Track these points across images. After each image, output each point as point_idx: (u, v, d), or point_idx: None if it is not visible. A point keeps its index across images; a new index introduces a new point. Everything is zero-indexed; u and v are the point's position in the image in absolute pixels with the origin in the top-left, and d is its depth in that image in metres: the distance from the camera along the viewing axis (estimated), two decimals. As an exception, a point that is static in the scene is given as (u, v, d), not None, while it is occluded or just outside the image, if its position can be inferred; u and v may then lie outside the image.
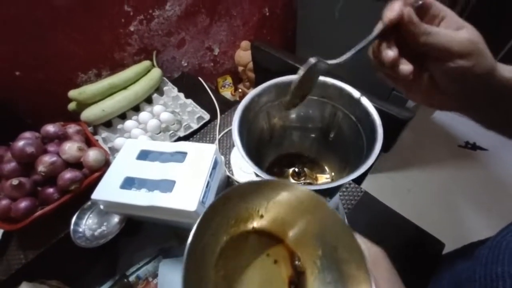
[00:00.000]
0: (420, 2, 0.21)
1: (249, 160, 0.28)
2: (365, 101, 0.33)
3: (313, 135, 0.43)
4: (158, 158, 0.48)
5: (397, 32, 0.21)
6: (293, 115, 0.41)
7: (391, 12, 0.20)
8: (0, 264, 0.51)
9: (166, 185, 0.42)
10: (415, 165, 1.40)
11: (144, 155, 0.49)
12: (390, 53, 0.21)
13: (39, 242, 0.52)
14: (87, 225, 0.53)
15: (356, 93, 0.34)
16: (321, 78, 0.31)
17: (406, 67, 0.22)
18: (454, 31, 0.21)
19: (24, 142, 0.49)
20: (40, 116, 0.61)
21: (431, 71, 0.23)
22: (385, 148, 0.32)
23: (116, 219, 0.53)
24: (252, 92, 0.36)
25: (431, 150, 1.45)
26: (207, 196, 0.43)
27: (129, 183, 0.45)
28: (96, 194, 0.43)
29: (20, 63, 0.60)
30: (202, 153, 0.46)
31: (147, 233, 0.53)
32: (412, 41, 0.21)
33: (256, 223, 0.22)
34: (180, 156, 0.46)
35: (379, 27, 0.21)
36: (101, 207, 0.47)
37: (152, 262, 0.49)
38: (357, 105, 0.33)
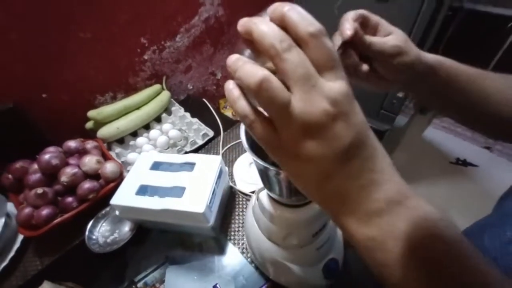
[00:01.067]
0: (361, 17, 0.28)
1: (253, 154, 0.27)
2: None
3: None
4: (169, 168, 0.54)
5: (351, 42, 0.27)
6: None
7: (348, 30, 0.26)
8: (17, 270, 0.54)
9: (177, 191, 0.48)
10: (409, 182, 1.45)
11: (156, 166, 0.55)
12: (356, 61, 0.29)
13: (55, 248, 0.56)
14: (100, 232, 0.57)
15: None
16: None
17: (364, 67, 0.29)
18: (385, 38, 0.28)
19: (50, 155, 0.55)
20: (59, 132, 0.67)
21: (377, 67, 0.30)
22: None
23: (127, 227, 0.57)
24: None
25: (424, 168, 1.51)
26: (213, 201, 0.48)
27: (143, 190, 0.50)
28: (115, 200, 0.49)
29: (46, 86, 0.68)
30: (208, 164, 0.52)
31: (154, 242, 0.56)
32: (360, 49, 0.28)
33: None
34: (189, 166, 0.53)
35: (338, 41, 0.27)
36: (117, 213, 0.52)
37: (159, 269, 0.52)
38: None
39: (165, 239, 0.56)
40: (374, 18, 0.29)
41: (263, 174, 0.29)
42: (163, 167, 0.55)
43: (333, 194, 0.18)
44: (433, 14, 0.78)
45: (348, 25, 0.27)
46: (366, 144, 0.17)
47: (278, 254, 0.38)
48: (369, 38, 0.28)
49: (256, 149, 0.25)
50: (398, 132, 1.38)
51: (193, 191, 0.47)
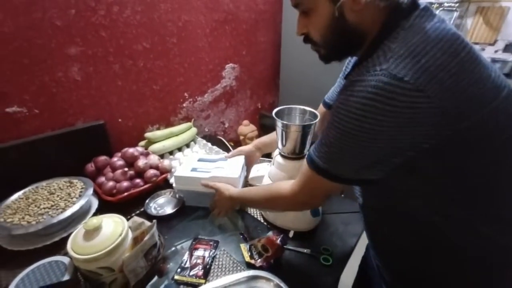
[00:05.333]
0: None
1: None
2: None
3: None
4: (210, 160, 0.86)
5: None
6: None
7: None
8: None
9: (219, 169, 0.79)
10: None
11: (201, 160, 0.86)
12: None
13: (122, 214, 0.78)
14: (153, 206, 0.82)
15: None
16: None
17: None
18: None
19: (132, 149, 0.86)
20: (122, 145, 0.97)
21: None
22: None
23: (170, 208, 0.82)
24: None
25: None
26: (241, 175, 0.79)
27: (195, 170, 0.80)
28: (178, 172, 0.78)
29: (123, 114, 1.03)
30: (236, 158, 0.84)
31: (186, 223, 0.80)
32: None
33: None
34: (223, 159, 0.85)
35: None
36: (174, 185, 0.80)
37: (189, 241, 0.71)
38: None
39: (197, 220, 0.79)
40: None
41: (282, 131, 0.65)
42: (206, 160, 0.86)
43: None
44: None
45: None
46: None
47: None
48: None
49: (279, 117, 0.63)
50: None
51: (229, 169, 0.78)
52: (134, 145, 1.03)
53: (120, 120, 1.03)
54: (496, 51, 1.69)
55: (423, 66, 0.35)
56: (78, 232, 0.54)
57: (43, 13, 0.76)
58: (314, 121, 0.65)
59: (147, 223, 0.62)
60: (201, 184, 0.75)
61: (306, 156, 0.50)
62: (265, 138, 0.87)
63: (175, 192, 0.85)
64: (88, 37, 0.87)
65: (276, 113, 0.68)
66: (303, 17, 0.47)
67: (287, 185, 0.55)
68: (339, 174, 0.44)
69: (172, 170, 0.93)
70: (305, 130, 0.64)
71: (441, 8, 1.62)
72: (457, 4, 1.61)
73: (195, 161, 0.85)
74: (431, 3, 1.65)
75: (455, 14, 1.60)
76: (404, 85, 0.35)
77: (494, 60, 1.53)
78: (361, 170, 0.43)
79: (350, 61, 0.62)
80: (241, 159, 0.83)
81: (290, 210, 0.68)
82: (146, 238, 0.55)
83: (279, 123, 0.65)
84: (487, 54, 1.62)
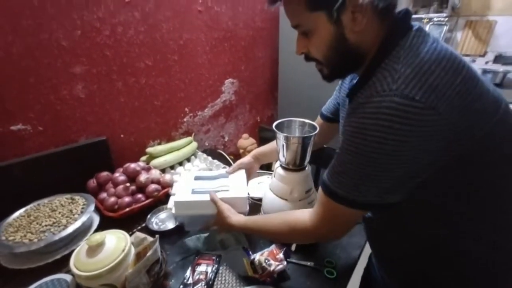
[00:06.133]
0: None
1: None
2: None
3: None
4: (209, 178, 0.79)
5: None
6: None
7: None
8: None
9: (223, 189, 0.72)
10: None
11: (198, 178, 0.79)
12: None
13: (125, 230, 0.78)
14: (154, 221, 0.82)
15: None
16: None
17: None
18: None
19: (135, 165, 0.86)
20: (123, 160, 0.98)
21: None
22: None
23: (171, 224, 0.81)
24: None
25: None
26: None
27: (196, 192, 0.73)
28: (178, 197, 0.70)
29: (125, 130, 1.04)
30: (237, 174, 0.80)
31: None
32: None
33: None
34: (224, 176, 0.80)
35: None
36: (173, 211, 0.71)
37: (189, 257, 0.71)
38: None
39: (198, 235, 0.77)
40: None
41: (283, 143, 0.66)
42: (204, 178, 0.79)
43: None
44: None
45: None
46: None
47: (285, 206, 0.69)
48: None
49: (279, 130, 0.65)
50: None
51: (234, 188, 0.73)
52: (136, 160, 1.03)
53: (122, 135, 1.04)
54: (486, 62, 1.74)
55: (432, 85, 0.36)
56: (81, 249, 0.54)
57: (50, 34, 0.80)
58: (314, 133, 0.67)
59: (150, 239, 0.62)
60: (209, 198, 0.69)
61: (321, 185, 0.49)
62: (263, 148, 0.87)
63: (174, 218, 0.78)
64: (93, 56, 0.90)
65: (276, 126, 0.70)
66: (303, 38, 0.48)
67: (305, 217, 0.53)
68: (361, 200, 0.43)
69: (171, 192, 0.91)
70: (305, 141, 0.66)
71: (431, 23, 1.69)
72: (446, 19, 1.69)
73: (192, 180, 0.78)
74: (421, 18, 1.73)
75: (445, 28, 1.67)
76: (417, 104, 0.35)
77: (485, 71, 1.58)
78: (385, 195, 0.42)
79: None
80: (242, 174, 0.80)
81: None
82: (149, 254, 0.55)
83: (279, 136, 0.67)
84: (478, 65, 1.68)
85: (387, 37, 0.43)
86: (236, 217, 0.66)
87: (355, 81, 0.51)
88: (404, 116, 0.36)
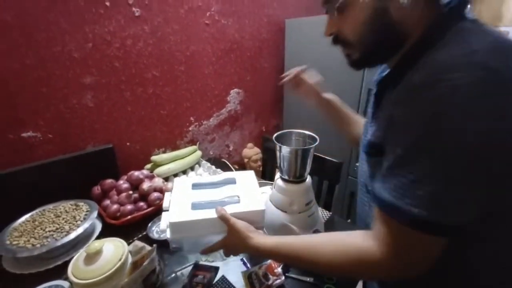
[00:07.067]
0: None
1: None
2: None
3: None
4: (210, 186, 0.65)
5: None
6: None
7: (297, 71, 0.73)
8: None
9: (232, 200, 0.56)
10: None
11: (197, 186, 0.63)
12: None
13: (125, 238, 0.78)
14: (155, 230, 0.82)
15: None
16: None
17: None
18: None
19: (138, 173, 0.88)
20: (128, 167, 1.00)
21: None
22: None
23: None
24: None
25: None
26: None
27: (197, 206, 0.56)
28: (172, 217, 0.52)
29: (131, 138, 1.07)
30: (246, 177, 0.66)
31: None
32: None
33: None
34: (230, 181, 0.65)
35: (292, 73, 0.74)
36: (167, 235, 0.53)
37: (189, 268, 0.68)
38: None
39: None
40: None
41: (282, 155, 0.66)
42: (204, 186, 0.64)
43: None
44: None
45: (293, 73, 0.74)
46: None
47: (285, 219, 0.68)
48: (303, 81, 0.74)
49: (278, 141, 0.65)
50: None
51: (247, 197, 0.57)
52: (141, 167, 1.05)
53: (128, 143, 1.07)
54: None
55: (505, 61, 0.31)
56: (79, 256, 0.55)
57: (62, 46, 0.84)
58: (314, 144, 0.66)
59: (148, 248, 0.62)
60: (217, 215, 0.53)
61: (379, 205, 0.39)
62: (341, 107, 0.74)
63: (169, 242, 0.59)
64: (103, 68, 0.93)
65: (277, 137, 0.70)
66: (336, 15, 0.42)
67: (372, 247, 0.39)
68: (452, 220, 0.33)
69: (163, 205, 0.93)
70: (304, 153, 0.65)
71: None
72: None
73: (189, 190, 0.61)
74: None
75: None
76: (499, 76, 0.30)
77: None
78: (475, 206, 0.33)
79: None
80: (252, 177, 0.65)
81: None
82: (145, 263, 0.55)
83: (278, 147, 0.67)
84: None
85: (438, 20, 0.37)
86: (261, 238, 0.51)
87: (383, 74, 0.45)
88: (492, 90, 0.29)
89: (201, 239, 0.56)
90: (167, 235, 0.53)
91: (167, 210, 0.57)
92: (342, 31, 0.43)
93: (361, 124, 0.68)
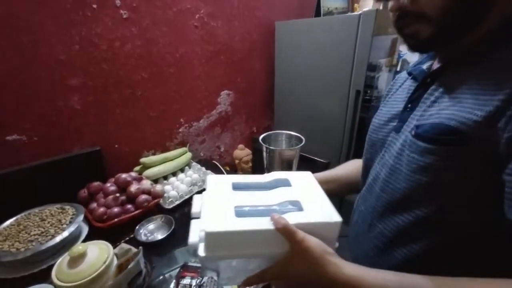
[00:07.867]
0: None
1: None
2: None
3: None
4: (257, 188, 0.46)
5: None
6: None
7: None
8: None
9: (292, 206, 0.41)
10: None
11: (239, 187, 0.46)
12: None
13: (112, 240, 0.78)
14: (142, 232, 0.82)
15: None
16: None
17: None
18: None
19: (125, 175, 0.87)
20: (117, 170, 0.99)
21: None
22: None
23: (160, 235, 0.80)
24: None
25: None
26: None
27: (243, 213, 0.39)
28: (210, 225, 0.37)
29: (120, 141, 1.07)
30: (303, 178, 0.49)
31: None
32: None
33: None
34: (282, 182, 0.47)
35: None
36: (201, 253, 0.37)
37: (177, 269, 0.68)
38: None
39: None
40: None
41: (267, 156, 0.67)
42: (248, 187, 0.46)
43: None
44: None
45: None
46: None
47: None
48: None
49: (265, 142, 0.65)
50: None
51: (311, 202, 0.42)
52: (131, 170, 1.05)
53: (116, 146, 1.06)
54: None
55: None
56: (63, 260, 0.55)
57: (48, 49, 0.83)
58: (300, 145, 0.68)
59: (134, 250, 0.62)
60: (276, 225, 0.37)
61: None
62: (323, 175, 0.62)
63: (201, 269, 0.47)
64: (90, 70, 0.93)
65: (264, 138, 0.71)
66: None
67: None
68: None
69: (165, 195, 0.94)
70: (290, 154, 0.67)
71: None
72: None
73: (229, 190, 0.45)
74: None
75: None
76: None
77: None
78: None
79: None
80: (310, 177, 0.50)
81: None
82: (130, 266, 0.55)
83: (265, 148, 0.68)
84: None
85: None
86: (347, 266, 0.35)
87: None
88: None
89: (247, 261, 0.40)
90: (200, 252, 0.37)
91: (198, 217, 0.42)
92: (417, 1, 0.35)
93: (346, 172, 0.64)
